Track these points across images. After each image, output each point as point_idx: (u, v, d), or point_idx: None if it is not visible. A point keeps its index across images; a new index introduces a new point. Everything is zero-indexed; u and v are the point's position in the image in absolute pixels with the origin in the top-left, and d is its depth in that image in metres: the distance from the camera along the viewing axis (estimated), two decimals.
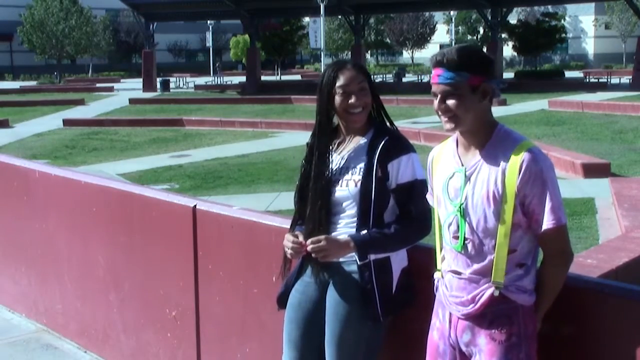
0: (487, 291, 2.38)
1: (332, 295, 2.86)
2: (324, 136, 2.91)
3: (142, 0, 43.97)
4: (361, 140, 2.88)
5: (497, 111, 21.41)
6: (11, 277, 5.69)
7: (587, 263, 5.65)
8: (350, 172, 2.84)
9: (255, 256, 3.61)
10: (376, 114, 2.94)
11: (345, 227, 2.83)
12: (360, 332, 2.80)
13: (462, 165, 2.42)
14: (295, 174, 3.33)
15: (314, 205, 2.85)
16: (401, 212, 2.80)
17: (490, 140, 2.39)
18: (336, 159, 2.89)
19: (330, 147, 2.92)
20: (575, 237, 8.38)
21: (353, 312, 2.79)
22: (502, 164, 2.33)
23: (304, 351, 2.94)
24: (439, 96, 2.37)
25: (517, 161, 2.30)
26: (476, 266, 2.40)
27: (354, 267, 2.80)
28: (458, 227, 2.42)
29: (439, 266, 2.56)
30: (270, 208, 9.99)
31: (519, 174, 2.29)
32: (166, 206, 4.17)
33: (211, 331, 3.95)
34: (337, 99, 2.84)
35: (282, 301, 3.04)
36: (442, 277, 2.53)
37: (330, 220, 2.84)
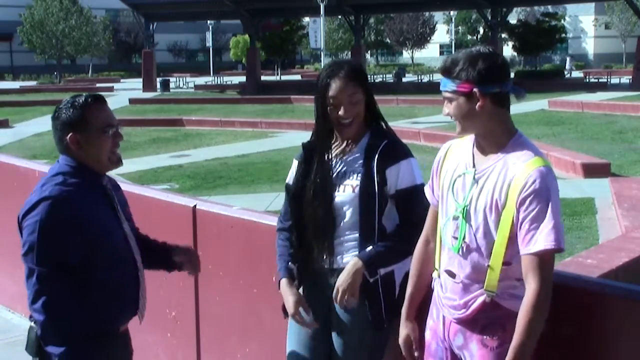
0: (480, 298, 2.36)
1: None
2: (325, 139, 2.86)
3: (142, 0, 43.97)
4: (358, 144, 2.83)
5: None
6: (11, 276, 5.68)
7: (587, 263, 5.65)
8: (348, 177, 2.79)
9: (255, 256, 3.60)
10: (371, 117, 2.86)
11: (347, 233, 2.79)
12: (366, 340, 2.79)
13: (474, 166, 2.38)
14: None
15: (314, 209, 2.81)
16: (401, 219, 2.77)
17: (505, 147, 2.34)
18: (335, 163, 2.84)
19: (330, 151, 2.87)
20: (575, 237, 8.39)
21: (359, 320, 2.77)
22: (511, 174, 2.27)
23: (313, 357, 2.89)
24: (445, 101, 2.38)
25: (525, 175, 2.24)
26: (470, 271, 2.37)
27: None
28: (458, 227, 2.39)
29: (436, 265, 2.54)
30: (270, 208, 9.98)
31: (524, 187, 2.23)
32: (166, 206, 4.16)
33: (211, 331, 3.95)
34: (329, 108, 2.78)
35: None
36: (439, 276, 2.52)
37: (332, 224, 2.80)
